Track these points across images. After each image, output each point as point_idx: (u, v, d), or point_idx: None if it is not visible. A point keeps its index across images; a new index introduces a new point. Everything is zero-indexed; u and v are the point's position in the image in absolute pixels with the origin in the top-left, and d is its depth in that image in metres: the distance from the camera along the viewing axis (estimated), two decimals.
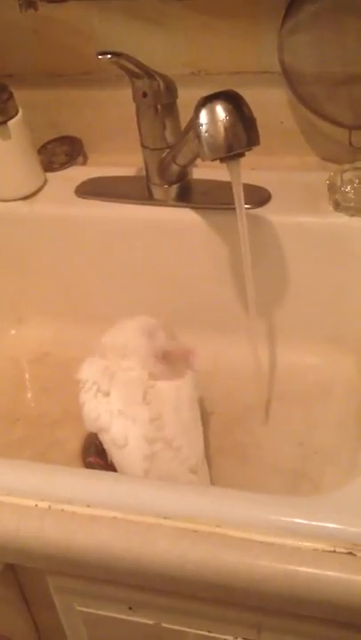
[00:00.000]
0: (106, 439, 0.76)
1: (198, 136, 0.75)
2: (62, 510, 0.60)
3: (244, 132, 0.74)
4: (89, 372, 0.78)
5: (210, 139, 0.74)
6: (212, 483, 0.78)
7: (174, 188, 0.90)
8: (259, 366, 0.86)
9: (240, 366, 0.87)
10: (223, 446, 0.83)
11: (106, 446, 0.77)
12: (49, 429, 0.89)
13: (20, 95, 0.92)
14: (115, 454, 0.76)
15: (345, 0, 0.83)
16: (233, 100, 0.74)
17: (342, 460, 0.78)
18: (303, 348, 0.90)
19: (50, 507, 0.61)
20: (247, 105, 0.74)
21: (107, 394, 0.76)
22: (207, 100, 0.74)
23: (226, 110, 0.73)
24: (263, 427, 0.86)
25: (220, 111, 0.73)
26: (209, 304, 0.92)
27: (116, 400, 0.76)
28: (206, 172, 0.91)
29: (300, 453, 0.82)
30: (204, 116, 0.74)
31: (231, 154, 0.75)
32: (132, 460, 0.75)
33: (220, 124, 0.73)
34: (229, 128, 0.73)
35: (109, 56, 0.79)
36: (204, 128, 0.74)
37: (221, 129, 0.73)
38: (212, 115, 0.73)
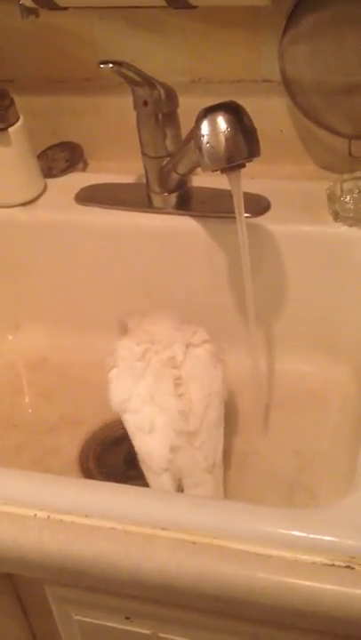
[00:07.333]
0: (130, 422, 0.76)
1: (199, 147, 0.75)
2: (61, 520, 0.60)
3: (245, 144, 0.74)
4: (124, 354, 0.79)
5: (211, 150, 0.74)
6: None
7: (174, 196, 0.90)
8: (257, 375, 0.86)
9: (238, 374, 0.87)
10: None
11: (129, 429, 0.77)
12: (46, 436, 0.89)
13: (20, 101, 0.92)
14: (137, 438, 0.76)
15: (345, 11, 0.83)
16: (234, 112, 0.74)
17: (339, 469, 0.78)
18: (301, 357, 0.91)
19: (49, 517, 0.61)
20: (248, 116, 0.75)
21: (141, 378, 0.77)
22: (208, 112, 0.74)
23: (227, 122, 0.73)
24: (261, 435, 0.86)
25: (222, 122, 0.73)
26: (208, 312, 0.92)
27: (149, 386, 0.76)
28: (206, 180, 0.91)
29: (297, 462, 0.82)
30: (205, 127, 0.74)
31: (232, 165, 0.75)
32: (156, 447, 0.74)
33: (221, 135, 0.73)
34: (230, 139, 0.73)
35: (111, 65, 0.79)
36: (205, 139, 0.74)
37: (222, 140, 0.74)
38: (214, 126, 0.74)
